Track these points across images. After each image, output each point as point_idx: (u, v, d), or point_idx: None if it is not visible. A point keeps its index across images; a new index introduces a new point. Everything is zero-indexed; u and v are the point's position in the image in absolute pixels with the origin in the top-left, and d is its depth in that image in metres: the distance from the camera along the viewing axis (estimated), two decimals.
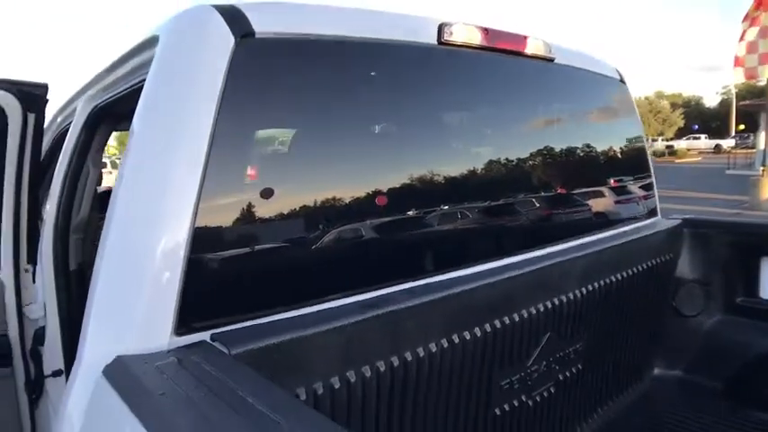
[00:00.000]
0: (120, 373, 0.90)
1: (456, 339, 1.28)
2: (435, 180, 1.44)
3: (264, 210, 1.10)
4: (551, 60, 1.71)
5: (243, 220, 1.08)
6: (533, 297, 1.49)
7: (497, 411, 1.46)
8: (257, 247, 1.11)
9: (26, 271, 1.88)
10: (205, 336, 0.98)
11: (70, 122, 2.01)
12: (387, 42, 1.30)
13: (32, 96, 1.73)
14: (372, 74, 1.31)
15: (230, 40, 1.05)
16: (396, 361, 1.15)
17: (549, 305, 1.53)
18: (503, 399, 1.47)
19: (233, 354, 0.93)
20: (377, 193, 1.29)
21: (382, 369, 1.13)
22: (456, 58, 1.46)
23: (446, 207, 1.46)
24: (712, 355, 2.16)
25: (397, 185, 1.36)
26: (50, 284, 1.84)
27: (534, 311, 1.48)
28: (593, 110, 2.08)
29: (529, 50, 1.62)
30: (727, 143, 35.48)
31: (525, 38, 1.60)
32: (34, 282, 1.91)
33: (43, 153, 2.09)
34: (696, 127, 58.06)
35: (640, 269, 1.96)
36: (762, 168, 16.00)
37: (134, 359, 0.92)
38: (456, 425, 1.35)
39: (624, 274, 1.88)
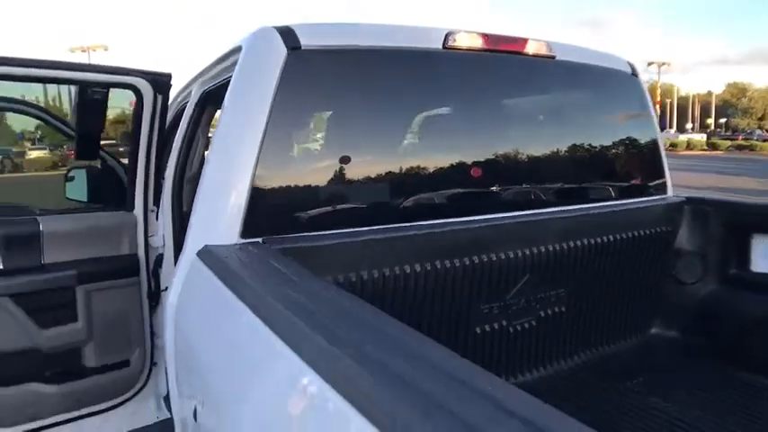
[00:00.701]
0: (206, 254, 1.46)
1: (438, 265, 1.75)
2: (447, 153, 1.91)
3: (297, 170, 1.64)
4: (552, 58, 2.09)
5: (283, 176, 1.63)
6: (513, 244, 1.91)
7: (478, 330, 1.91)
8: (293, 191, 1.65)
9: (152, 211, 2.55)
10: (258, 239, 1.53)
11: (186, 102, 2.66)
12: (400, 48, 1.78)
13: (160, 82, 2.36)
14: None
15: (284, 51, 1.58)
16: (387, 272, 1.65)
17: (528, 252, 1.94)
18: (483, 320, 1.91)
19: (272, 248, 1.47)
20: (391, 157, 1.79)
21: (376, 276, 1.63)
22: (463, 59, 1.91)
23: (461, 175, 1.92)
24: (707, 320, 2.43)
25: (413, 156, 1.85)
26: (168, 221, 2.50)
27: (512, 255, 1.91)
28: (600, 100, 2.41)
29: (530, 50, 2.02)
30: None
31: (525, 40, 2.00)
32: (157, 219, 2.59)
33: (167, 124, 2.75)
34: None
35: (637, 235, 2.29)
36: None
37: (215, 247, 1.48)
38: (440, 331, 1.82)
39: (617, 237, 2.23)
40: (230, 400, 1.19)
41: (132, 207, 2.48)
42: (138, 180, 2.47)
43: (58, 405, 2.34)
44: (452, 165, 1.91)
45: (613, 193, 2.37)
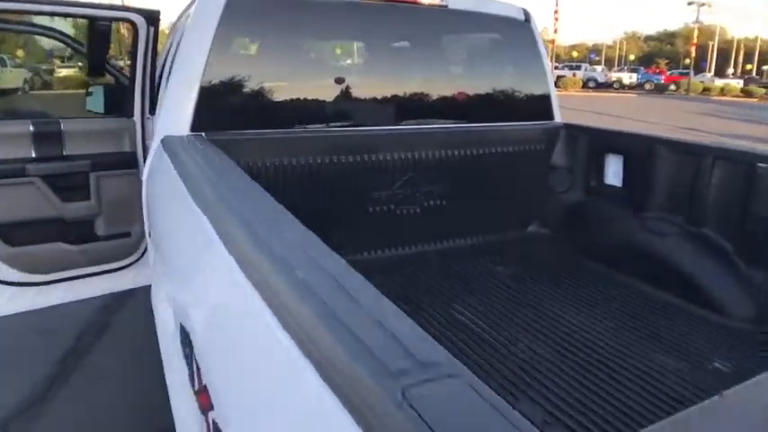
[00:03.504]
0: (166, 141, 2.19)
1: (335, 159, 2.46)
2: (355, 79, 2.58)
3: (230, 86, 2.33)
4: (445, 7, 2.69)
5: (221, 90, 2.32)
6: (399, 148, 2.60)
7: (370, 209, 2.63)
8: (227, 102, 2.35)
9: (148, 118, 3.27)
10: (201, 133, 2.25)
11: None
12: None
13: (152, 17, 3.04)
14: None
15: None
16: (293, 161, 2.37)
17: (410, 155, 2.63)
18: (374, 203, 2.63)
19: (209, 138, 2.19)
20: (313, 80, 2.48)
21: (283, 163, 2.35)
22: (365, 9, 2.53)
23: (366, 96, 2.59)
24: (573, 221, 3.11)
25: (327, 79, 2.53)
26: None
27: (398, 156, 2.60)
28: (494, 42, 3.01)
29: (424, 1, 2.63)
30: None
31: None
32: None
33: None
34: None
35: (521, 150, 2.94)
36: None
37: (171, 137, 2.21)
38: (341, 203, 2.55)
39: (502, 150, 2.88)
40: (163, 232, 1.88)
41: (132, 114, 3.21)
42: (136, 93, 3.19)
43: (79, 261, 3.17)
44: (353, 88, 2.59)
45: (506, 117, 3.01)
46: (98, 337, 3.70)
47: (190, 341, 1.21)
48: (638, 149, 2.76)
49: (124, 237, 3.28)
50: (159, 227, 1.92)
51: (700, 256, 2.43)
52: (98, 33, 2.94)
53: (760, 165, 2.21)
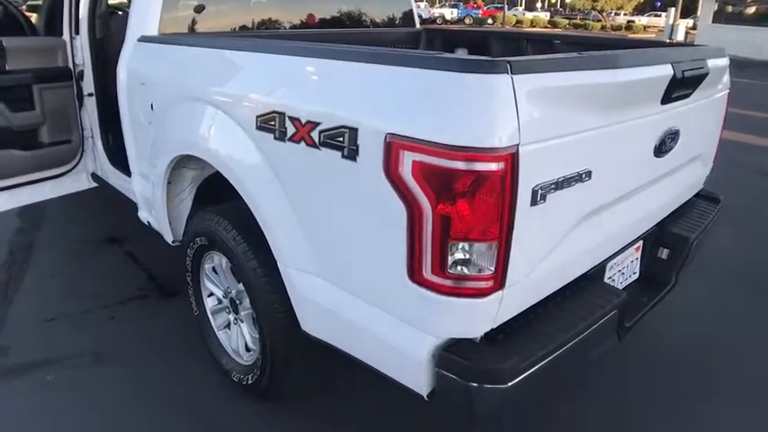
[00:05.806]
0: (146, 38, 2.80)
1: None
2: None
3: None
4: None
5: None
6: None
7: None
8: (186, 6, 3.00)
9: (73, 38, 3.69)
10: (173, 34, 2.89)
11: None
12: None
13: None
14: None
15: None
16: None
17: None
18: None
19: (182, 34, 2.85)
20: None
21: None
22: None
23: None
24: None
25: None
26: (86, 44, 3.67)
27: None
28: None
29: None
30: (687, 23, 34.48)
31: None
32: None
33: None
34: (659, 4, 58.44)
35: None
36: (668, 41, 18.09)
37: (148, 35, 2.83)
38: None
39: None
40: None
41: (61, 34, 3.62)
42: (65, 15, 3.60)
43: (30, 166, 3.58)
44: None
45: (381, 25, 3.96)
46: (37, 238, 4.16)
47: None
48: (477, 42, 3.86)
49: (66, 143, 3.73)
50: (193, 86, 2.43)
51: None
52: None
53: (555, 41, 3.41)
